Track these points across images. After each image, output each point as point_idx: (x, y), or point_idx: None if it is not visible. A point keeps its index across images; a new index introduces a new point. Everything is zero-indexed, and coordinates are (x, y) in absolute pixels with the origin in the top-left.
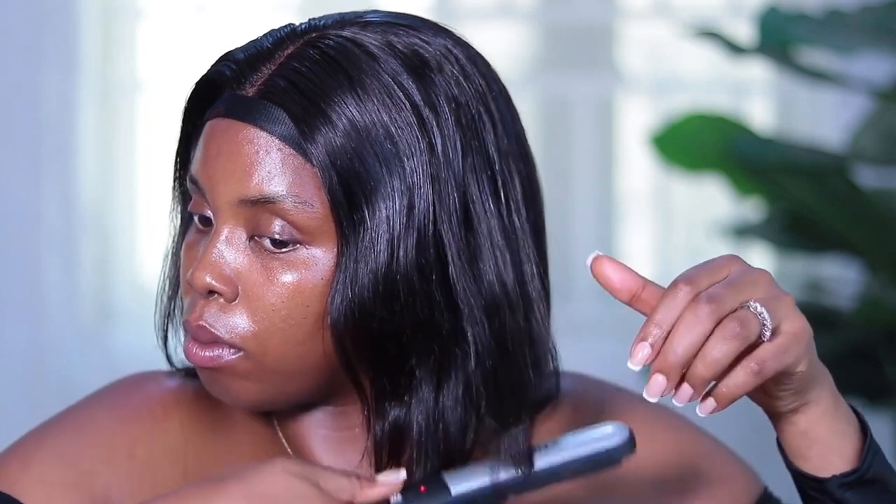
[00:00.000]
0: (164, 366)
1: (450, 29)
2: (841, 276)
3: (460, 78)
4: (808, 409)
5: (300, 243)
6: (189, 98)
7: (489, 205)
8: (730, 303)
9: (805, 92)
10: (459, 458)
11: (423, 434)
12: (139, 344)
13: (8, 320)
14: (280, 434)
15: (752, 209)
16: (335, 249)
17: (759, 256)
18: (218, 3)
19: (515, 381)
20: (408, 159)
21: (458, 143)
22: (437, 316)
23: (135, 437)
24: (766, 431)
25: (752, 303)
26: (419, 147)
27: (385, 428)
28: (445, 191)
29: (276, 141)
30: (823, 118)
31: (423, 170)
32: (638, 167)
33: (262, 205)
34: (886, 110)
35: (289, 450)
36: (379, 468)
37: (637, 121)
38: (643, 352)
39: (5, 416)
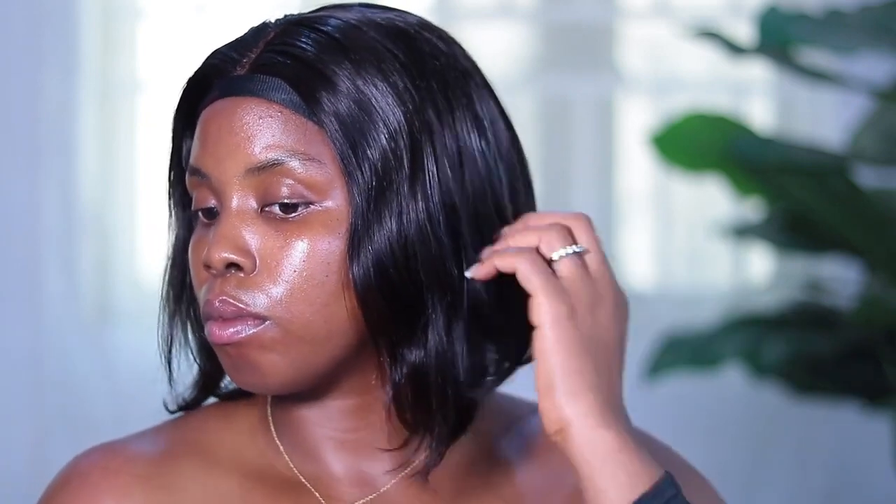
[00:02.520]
0: (163, 365)
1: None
2: (841, 276)
3: (439, 44)
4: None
5: (311, 203)
6: (179, 103)
7: (484, 155)
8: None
9: (805, 92)
10: (470, 406)
11: (440, 376)
12: (139, 344)
13: (8, 320)
14: (282, 449)
15: (752, 209)
16: (344, 202)
17: (760, 256)
18: (218, 3)
19: (514, 322)
20: (405, 112)
21: (448, 97)
22: (447, 259)
23: None
24: (766, 432)
25: (573, 247)
26: (413, 101)
27: (403, 373)
28: (442, 140)
29: (276, 105)
30: (823, 118)
31: (419, 121)
32: (638, 167)
33: (270, 168)
34: (886, 110)
35: (292, 466)
36: (402, 419)
37: (637, 121)
38: None
39: (5, 417)
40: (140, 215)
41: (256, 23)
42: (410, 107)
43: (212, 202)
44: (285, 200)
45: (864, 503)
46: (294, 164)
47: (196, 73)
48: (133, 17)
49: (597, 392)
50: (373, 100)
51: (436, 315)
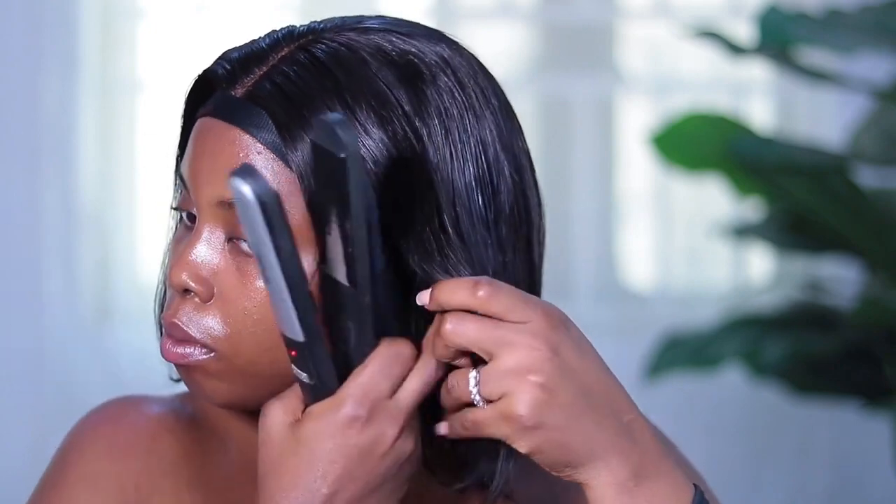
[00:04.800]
0: (165, 364)
1: (453, 38)
2: (841, 276)
3: (455, 90)
4: (586, 490)
5: None
6: (186, 97)
7: (482, 217)
8: (463, 339)
9: (805, 92)
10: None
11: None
12: (139, 344)
13: (8, 320)
14: None
15: (752, 209)
16: (310, 255)
17: (759, 256)
18: (218, 3)
19: None
20: (395, 171)
21: (449, 154)
22: (418, 324)
23: (130, 473)
24: (766, 432)
25: (472, 371)
26: (407, 158)
27: None
28: (433, 201)
29: (259, 145)
30: (823, 118)
31: (408, 180)
32: (638, 167)
33: None
34: (886, 110)
35: None
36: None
37: (637, 121)
38: None
39: (5, 417)
40: (140, 215)
41: (278, 25)
42: (403, 164)
43: (194, 209)
44: None
45: (864, 503)
46: None
47: (203, 73)
48: (133, 16)
49: (602, 449)
50: (359, 155)
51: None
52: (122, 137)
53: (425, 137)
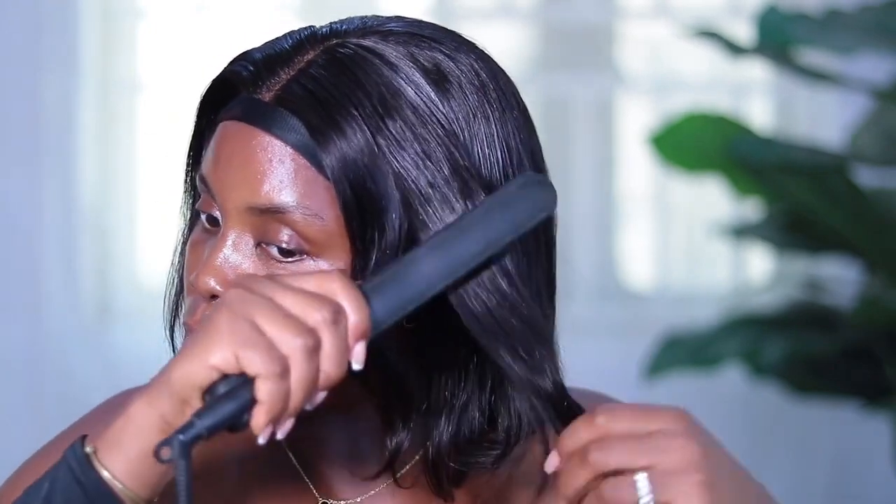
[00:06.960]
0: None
1: (473, 42)
2: (841, 276)
3: (479, 94)
4: None
5: (307, 254)
6: (204, 95)
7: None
8: (615, 461)
9: (805, 92)
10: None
11: (444, 440)
12: (139, 344)
13: (8, 320)
14: (283, 441)
15: (751, 209)
16: (343, 263)
17: (759, 256)
18: (218, 3)
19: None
20: (425, 174)
21: (476, 159)
22: (454, 323)
23: None
24: (765, 432)
25: (640, 474)
26: (438, 166)
27: (401, 438)
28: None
29: (290, 150)
30: (823, 118)
31: (440, 185)
32: (638, 167)
33: (271, 214)
34: (886, 110)
35: (291, 457)
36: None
37: (637, 121)
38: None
39: (5, 416)
40: (140, 215)
41: (282, 26)
42: (436, 173)
43: (216, 212)
44: (283, 245)
45: (864, 503)
46: (296, 216)
47: (223, 74)
48: (133, 17)
49: None
50: (391, 160)
51: (444, 378)
52: (122, 137)
53: (452, 142)
